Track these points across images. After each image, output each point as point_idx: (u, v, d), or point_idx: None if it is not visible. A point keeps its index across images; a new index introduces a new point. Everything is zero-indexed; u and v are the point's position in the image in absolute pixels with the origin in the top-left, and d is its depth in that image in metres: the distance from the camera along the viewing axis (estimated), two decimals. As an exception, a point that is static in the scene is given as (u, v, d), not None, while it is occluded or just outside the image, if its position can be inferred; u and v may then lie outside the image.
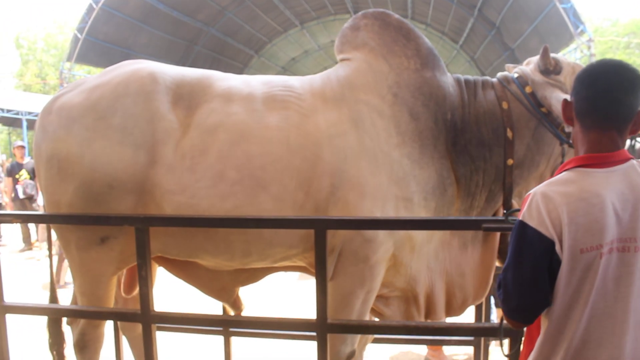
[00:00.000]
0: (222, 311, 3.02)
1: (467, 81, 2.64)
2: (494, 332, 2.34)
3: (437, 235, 2.52)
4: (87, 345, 2.53)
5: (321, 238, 2.06)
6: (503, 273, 1.51)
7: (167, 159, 2.30)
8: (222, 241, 2.35)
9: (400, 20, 2.62)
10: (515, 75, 2.64)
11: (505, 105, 2.53)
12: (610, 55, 33.80)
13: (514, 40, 15.78)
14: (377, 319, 2.73)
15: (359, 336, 2.51)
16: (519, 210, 1.75)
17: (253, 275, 2.66)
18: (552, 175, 1.98)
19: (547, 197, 1.43)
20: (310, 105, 2.43)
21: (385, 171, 2.33)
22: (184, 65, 18.32)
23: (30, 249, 9.41)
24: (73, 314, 2.56)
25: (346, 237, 2.30)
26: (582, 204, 1.39)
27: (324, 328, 2.14)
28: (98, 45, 14.75)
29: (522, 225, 1.46)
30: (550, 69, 2.57)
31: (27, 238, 9.52)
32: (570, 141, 2.41)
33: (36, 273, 7.45)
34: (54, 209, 2.42)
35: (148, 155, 2.30)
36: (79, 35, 14.10)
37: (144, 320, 2.32)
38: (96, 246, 2.38)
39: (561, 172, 1.51)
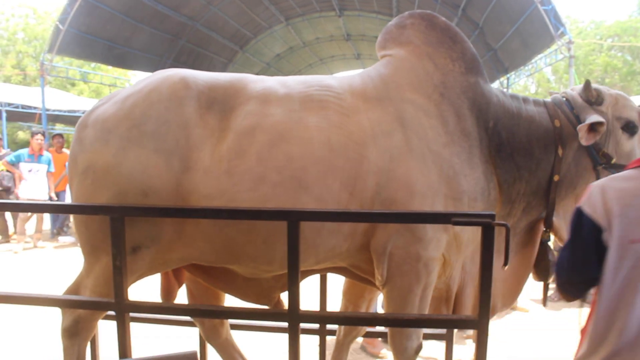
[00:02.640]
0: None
1: (513, 96, 2.70)
2: (467, 324, 2.40)
3: (478, 238, 2.55)
4: (79, 333, 2.51)
5: (294, 230, 2.09)
6: (561, 251, 1.74)
7: (204, 164, 2.29)
8: (262, 243, 2.33)
9: (447, 23, 2.66)
10: (564, 98, 2.72)
11: (557, 123, 2.60)
12: (592, 57, 34.22)
13: (497, 41, 15.92)
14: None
15: (422, 330, 2.55)
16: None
17: None
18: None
19: (604, 190, 1.62)
20: (351, 104, 2.42)
21: (435, 170, 2.35)
22: (167, 59, 18.23)
23: (8, 241, 9.32)
24: (45, 303, 2.55)
25: (393, 236, 2.32)
26: (636, 200, 1.55)
27: (296, 318, 2.17)
28: (80, 37, 14.57)
29: (579, 211, 1.67)
30: (592, 100, 2.65)
31: (4, 230, 9.44)
32: (604, 164, 2.60)
33: (13, 265, 7.39)
34: (84, 221, 2.41)
35: (182, 161, 2.29)
36: (60, 27, 13.92)
37: (117, 309, 2.33)
38: (127, 255, 2.33)
39: (626, 170, 1.68)
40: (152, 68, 18.24)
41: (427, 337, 3.12)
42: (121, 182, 2.30)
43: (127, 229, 2.26)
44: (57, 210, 2.29)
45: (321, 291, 3.07)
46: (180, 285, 2.80)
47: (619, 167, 2.55)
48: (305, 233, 2.24)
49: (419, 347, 2.47)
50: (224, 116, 2.36)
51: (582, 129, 2.51)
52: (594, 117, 2.52)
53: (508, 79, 17.27)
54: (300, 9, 20.22)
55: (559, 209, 2.66)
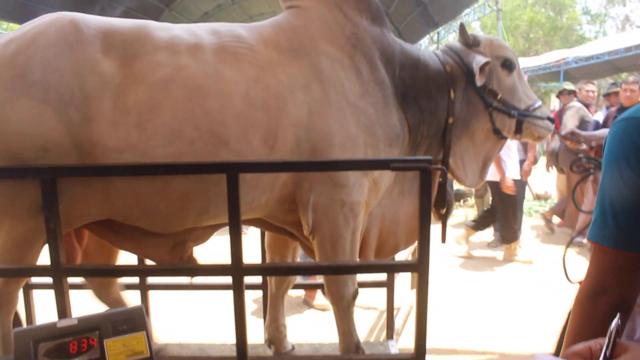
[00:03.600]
0: (137, 261, 2.99)
1: (410, 46, 2.82)
2: (407, 268, 2.50)
3: (388, 183, 2.65)
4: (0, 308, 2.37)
5: (233, 182, 2.07)
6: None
7: (106, 115, 2.13)
8: (177, 200, 2.26)
9: None
10: (447, 47, 2.93)
11: (448, 68, 2.76)
12: (518, 13, 35.21)
13: (427, -4, 15.99)
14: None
15: (356, 275, 2.61)
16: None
17: (204, 233, 2.61)
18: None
19: None
20: (265, 57, 2.37)
21: (353, 121, 2.39)
22: (89, 18, 17.14)
23: None
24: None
25: (317, 186, 2.36)
26: None
27: (239, 272, 2.17)
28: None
29: None
30: (470, 43, 2.87)
31: None
32: (494, 104, 2.81)
33: None
34: None
35: (79, 112, 2.11)
36: (-34, -17, 12.88)
37: (54, 275, 2.25)
38: (34, 216, 2.19)
39: None
40: (73, 28, 17.24)
41: (367, 285, 3.22)
42: (12, 140, 2.10)
43: (33, 187, 2.12)
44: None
45: (262, 247, 3.09)
46: (82, 248, 2.70)
47: (506, 102, 2.84)
48: (222, 187, 2.16)
49: (356, 293, 2.54)
50: (125, 64, 2.20)
51: (478, 70, 2.71)
52: (481, 59, 2.74)
53: (438, 33, 17.50)
54: (227, -37, 19.57)
55: (455, 148, 2.84)
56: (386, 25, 2.67)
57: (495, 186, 6.24)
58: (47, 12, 2.45)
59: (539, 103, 2.93)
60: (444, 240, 2.79)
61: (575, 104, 7.32)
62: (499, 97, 2.83)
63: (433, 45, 18.54)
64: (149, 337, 1.30)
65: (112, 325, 1.30)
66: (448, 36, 19.70)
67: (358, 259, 2.62)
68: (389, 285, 3.20)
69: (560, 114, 7.63)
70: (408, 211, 2.79)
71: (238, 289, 2.20)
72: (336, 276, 2.49)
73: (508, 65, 2.86)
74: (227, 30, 2.44)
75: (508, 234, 6.42)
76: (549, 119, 2.93)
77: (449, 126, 2.76)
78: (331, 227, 2.41)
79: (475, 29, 35.50)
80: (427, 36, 18.31)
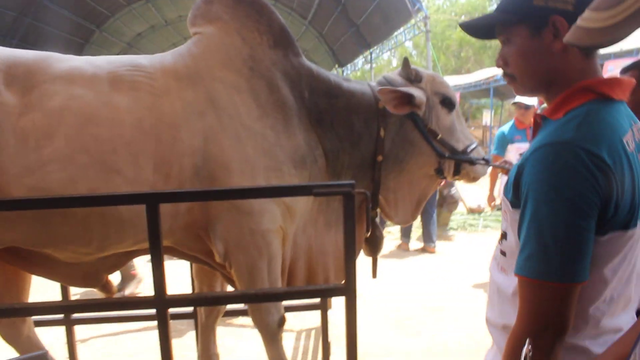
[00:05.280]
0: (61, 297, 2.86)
1: (334, 75, 2.76)
2: (335, 292, 2.49)
3: (308, 210, 2.62)
4: None
5: (153, 213, 2.02)
6: None
7: (7, 143, 2.12)
8: (79, 224, 2.22)
9: None
10: (387, 80, 2.82)
11: (380, 105, 2.67)
12: (449, 33, 36.50)
13: (359, 17, 16.38)
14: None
15: (281, 303, 2.56)
16: None
17: (118, 261, 2.54)
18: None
19: None
20: (163, 84, 2.36)
21: (250, 145, 2.36)
22: (12, 39, 16.43)
23: None
24: None
25: (224, 214, 2.33)
26: None
27: (163, 304, 2.12)
28: None
29: None
30: (412, 78, 2.78)
31: None
32: (440, 149, 2.73)
33: None
34: None
35: None
36: None
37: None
38: None
39: None
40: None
41: (301, 308, 3.21)
42: None
43: None
44: None
45: (192, 275, 3.03)
46: None
47: (444, 142, 2.77)
48: (123, 214, 2.20)
49: (282, 320, 2.52)
50: (26, 93, 2.21)
51: (383, 91, 2.56)
52: (412, 90, 2.64)
53: (371, 53, 17.89)
54: (160, -15, 19.40)
55: (387, 184, 2.80)
56: (292, 47, 2.64)
57: None
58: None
59: (476, 144, 2.90)
60: (374, 275, 2.73)
61: None
62: (438, 137, 2.77)
63: (367, 65, 18.91)
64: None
65: (15, 372, 1.24)
66: (382, 55, 20.16)
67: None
68: (323, 307, 3.20)
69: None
70: (336, 243, 2.73)
71: (162, 321, 2.14)
72: (260, 305, 2.46)
73: (448, 103, 2.80)
74: (127, 60, 2.44)
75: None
76: (484, 159, 2.88)
77: (377, 164, 2.71)
78: (245, 257, 2.40)
79: (408, 48, 36.53)
80: (361, 56, 18.72)
